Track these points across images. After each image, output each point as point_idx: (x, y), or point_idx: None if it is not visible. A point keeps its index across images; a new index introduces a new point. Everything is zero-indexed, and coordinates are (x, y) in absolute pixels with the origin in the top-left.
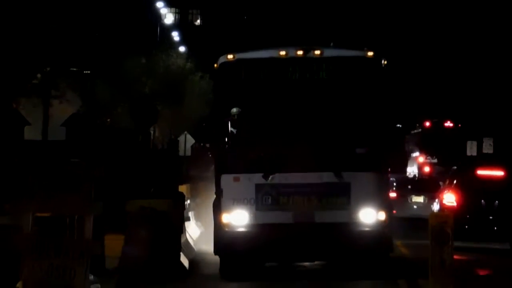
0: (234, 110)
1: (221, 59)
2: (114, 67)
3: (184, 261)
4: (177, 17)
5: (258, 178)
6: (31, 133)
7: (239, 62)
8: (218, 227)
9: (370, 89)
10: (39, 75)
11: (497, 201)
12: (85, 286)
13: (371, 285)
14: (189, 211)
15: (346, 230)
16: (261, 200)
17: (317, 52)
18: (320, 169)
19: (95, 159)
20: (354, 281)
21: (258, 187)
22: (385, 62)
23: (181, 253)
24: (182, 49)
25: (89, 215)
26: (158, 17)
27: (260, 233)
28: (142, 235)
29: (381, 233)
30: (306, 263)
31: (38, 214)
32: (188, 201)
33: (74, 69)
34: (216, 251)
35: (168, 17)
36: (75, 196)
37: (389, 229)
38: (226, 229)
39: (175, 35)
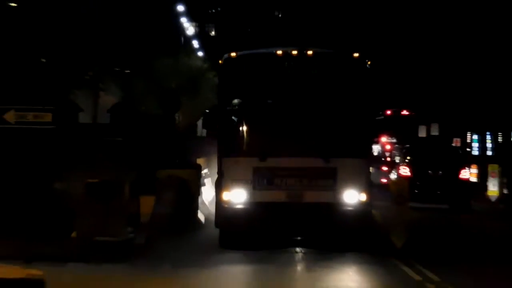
0: (235, 101)
1: (225, 56)
2: (147, 67)
3: (201, 217)
4: (196, 29)
5: (255, 161)
6: (84, 117)
7: (240, 58)
8: (219, 203)
9: (355, 85)
10: (90, 73)
11: (440, 171)
12: (123, 235)
13: (356, 256)
14: (205, 178)
15: (332, 209)
16: (257, 181)
17: (310, 52)
18: (310, 154)
19: (132, 138)
20: (341, 253)
21: (255, 169)
22: (369, 62)
23: (198, 211)
24: (200, 53)
25: (126, 181)
26: (182, 29)
27: (256, 210)
28: (168, 196)
29: (363, 212)
30: (297, 238)
31: (89, 180)
32: (204, 171)
33: (117, 68)
34: (216, 224)
35: (190, 29)
36: (115, 166)
37: (370, 208)
38: (226, 206)
39: (195, 43)
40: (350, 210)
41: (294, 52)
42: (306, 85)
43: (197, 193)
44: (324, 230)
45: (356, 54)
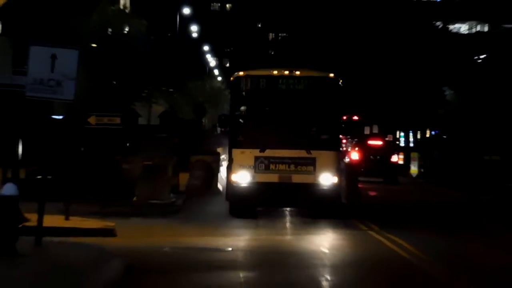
0: (242, 108)
1: (235, 74)
2: (184, 87)
3: (220, 187)
4: (217, 62)
5: (256, 152)
6: (141, 121)
7: (246, 76)
8: (229, 183)
9: (331, 97)
10: (146, 91)
11: (378, 156)
12: (168, 199)
13: (334, 223)
14: (222, 161)
15: (312, 188)
16: (257, 166)
17: (297, 72)
18: (297, 148)
19: (174, 134)
20: (321, 220)
21: (256, 158)
22: (341, 81)
23: (218, 183)
24: (219, 78)
25: (170, 163)
26: (207, 61)
27: (256, 188)
28: (197, 174)
29: (335, 190)
30: (286, 208)
31: (145, 162)
32: (222, 157)
33: (164, 88)
34: (226, 198)
35: (212, 62)
36: (163, 153)
37: (340, 188)
38: (234, 185)
39: (216, 71)
40: (325, 189)
41: (286, 72)
42: (294, 97)
43: (217, 171)
44: (306, 203)
45: (331, 75)
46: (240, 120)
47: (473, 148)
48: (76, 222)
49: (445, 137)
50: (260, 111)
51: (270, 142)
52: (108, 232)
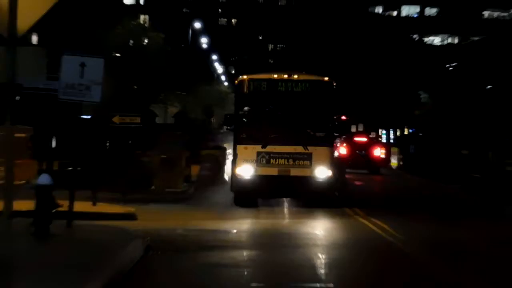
0: (245, 108)
1: (239, 78)
2: (195, 91)
3: (226, 177)
4: (224, 69)
5: (258, 147)
6: (158, 120)
7: (249, 79)
8: (233, 175)
9: (325, 99)
10: (162, 95)
11: (363, 151)
12: (181, 188)
13: (326, 211)
14: (228, 155)
15: (309, 180)
16: (259, 161)
17: (295, 76)
18: (295, 144)
19: (186, 132)
20: (316, 208)
21: (258, 153)
22: (335, 84)
23: (225, 174)
24: (225, 83)
25: (183, 156)
26: (215, 68)
27: (258, 180)
28: (207, 166)
29: (329, 182)
30: (286, 199)
31: (162, 156)
32: (228, 151)
33: (178, 92)
34: (231, 189)
35: (219, 69)
36: (177, 148)
37: (334, 181)
38: (238, 177)
39: (223, 77)
40: (320, 181)
41: (285, 76)
42: (292, 98)
43: (224, 164)
44: (303, 194)
45: (326, 78)
46: (244, 119)
47: (445, 143)
48: (102, 207)
49: (420, 134)
50: (262, 111)
51: (270, 139)
52: (130, 216)
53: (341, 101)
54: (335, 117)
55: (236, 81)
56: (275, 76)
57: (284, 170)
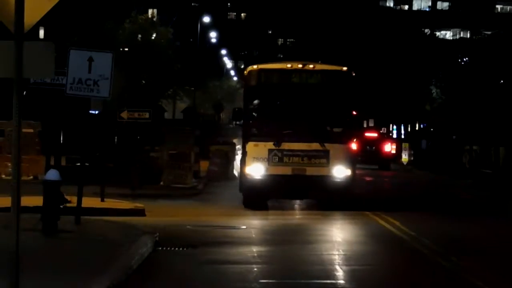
0: (256, 102)
1: (249, 68)
2: (204, 86)
3: (235, 173)
4: (233, 64)
5: (270, 145)
6: (167, 115)
7: (260, 70)
8: (243, 175)
9: (344, 91)
10: (171, 90)
11: (373, 147)
12: (190, 183)
13: (347, 214)
14: (238, 151)
15: (326, 180)
16: (271, 159)
17: (311, 66)
18: (310, 140)
19: (195, 128)
20: (335, 211)
21: (270, 150)
22: (354, 74)
23: (234, 170)
24: (235, 78)
25: (192, 152)
26: (225, 63)
27: (270, 180)
28: (216, 161)
29: (348, 182)
30: (300, 200)
31: (171, 151)
32: (237, 146)
33: (187, 87)
34: (240, 190)
35: (229, 64)
36: (186, 143)
37: (353, 180)
38: (248, 177)
39: (232, 72)
40: (339, 181)
41: (300, 66)
42: (307, 90)
43: (233, 159)
44: (320, 195)
45: (345, 68)
46: (254, 113)
47: (456, 139)
48: (110, 203)
49: (432, 129)
50: (274, 104)
51: (283, 135)
52: (139, 212)
53: (361, 93)
54: (354, 112)
55: (245, 72)
56: (288, 65)
57: (299, 169)
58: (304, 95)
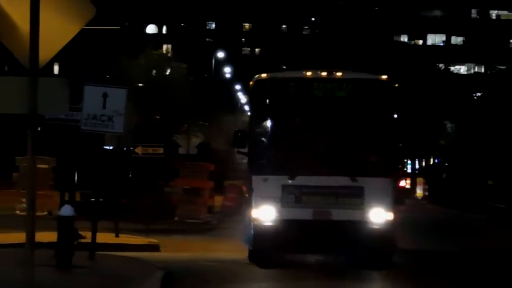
0: (265, 122)
1: (256, 77)
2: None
3: None
4: (247, 98)
5: (283, 179)
6: (181, 150)
7: (270, 80)
8: (248, 220)
9: (383, 107)
10: (185, 125)
11: None
12: (204, 219)
13: (382, 274)
14: None
15: (359, 227)
16: (286, 198)
17: (339, 74)
18: (338, 173)
19: (209, 162)
20: (368, 270)
21: (284, 187)
22: (397, 85)
23: None
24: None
25: (206, 187)
26: (239, 98)
27: (284, 227)
28: (230, 196)
29: (389, 230)
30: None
31: (185, 186)
32: None
33: (201, 122)
34: (244, 241)
35: (243, 99)
36: (200, 178)
37: (395, 228)
38: (255, 223)
39: (246, 107)
40: (377, 229)
41: (324, 74)
42: (334, 106)
43: None
44: (351, 248)
45: (384, 77)
46: (262, 138)
47: (470, 173)
48: (124, 239)
49: (446, 164)
50: (289, 125)
51: (301, 166)
52: (153, 248)
53: (406, 109)
54: (397, 133)
55: (251, 83)
56: (309, 74)
57: (323, 212)
58: (329, 113)
